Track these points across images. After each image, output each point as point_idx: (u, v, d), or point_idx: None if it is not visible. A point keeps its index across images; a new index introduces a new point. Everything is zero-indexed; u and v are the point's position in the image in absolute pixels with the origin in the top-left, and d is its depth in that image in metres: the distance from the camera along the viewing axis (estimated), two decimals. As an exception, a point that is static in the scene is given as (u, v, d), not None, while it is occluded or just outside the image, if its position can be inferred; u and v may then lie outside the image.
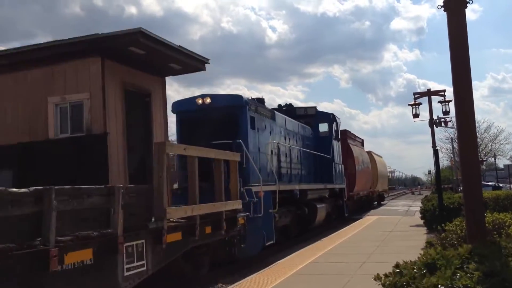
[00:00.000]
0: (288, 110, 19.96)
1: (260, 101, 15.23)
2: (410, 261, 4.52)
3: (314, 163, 18.70)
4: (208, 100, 12.47)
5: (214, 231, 8.56)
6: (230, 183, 9.63)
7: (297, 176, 16.41)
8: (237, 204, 9.46)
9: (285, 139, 15.76)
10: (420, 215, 16.23)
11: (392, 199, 54.36)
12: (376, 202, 37.14)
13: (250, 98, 13.73)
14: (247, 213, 11.08)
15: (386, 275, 4.29)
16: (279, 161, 14.59)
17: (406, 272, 4.17)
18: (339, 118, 21.88)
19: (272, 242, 11.93)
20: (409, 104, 24.04)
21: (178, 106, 12.95)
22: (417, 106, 23.91)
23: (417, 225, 16.07)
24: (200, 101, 12.51)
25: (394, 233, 14.78)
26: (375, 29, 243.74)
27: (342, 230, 16.31)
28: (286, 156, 15.51)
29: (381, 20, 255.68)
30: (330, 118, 20.49)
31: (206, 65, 9.98)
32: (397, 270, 4.33)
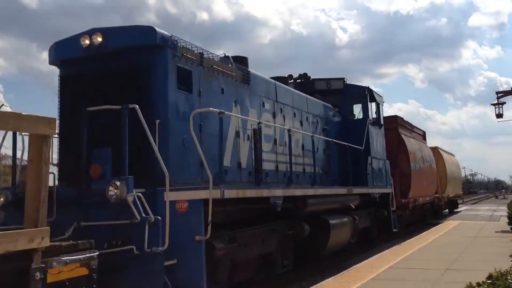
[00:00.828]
0: (303, 83, 14.21)
1: (240, 60, 9.67)
2: (507, 270, 4.73)
3: (336, 156, 12.74)
4: (99, 39, 7.04)
5: None
6: (27, 188, 4.15)
7: (299, 174, 10.62)
8: (26, 240, 3.93)
9: (274, 117, 10.03)
10: (506, 221, 15.26)
11: (474, 203, 47.86)
12: (447, 210, 30.06)
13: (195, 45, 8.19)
14: (130, 248, 5.54)
15: (478, 284, 4.40)
16: (255, 150, 8.88)
17: (500, 282, 4.21)
18: (381, 96, 15.69)
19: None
20: (491, 104, 23.07)
21: (57, 53, 7.53)
22: (500, 106, 22.94)
23: (503, 231, 15.03)
24: (86, 41, 7.10)
25: (478, 239, 13.92)
26: (452, 26, 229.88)
27: (421, 235, 15.55)
28: (275, 143, 9.81)
29: (458, 17, 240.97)
30: (363, 93, 14.35)
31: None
32: (490, 281, 4.32)
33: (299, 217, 9.59)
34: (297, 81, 14.19)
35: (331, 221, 10.34)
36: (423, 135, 25.15)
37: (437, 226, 18.89)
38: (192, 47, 7.72)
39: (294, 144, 10.63)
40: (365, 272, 8.72)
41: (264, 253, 8.64)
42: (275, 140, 9.79)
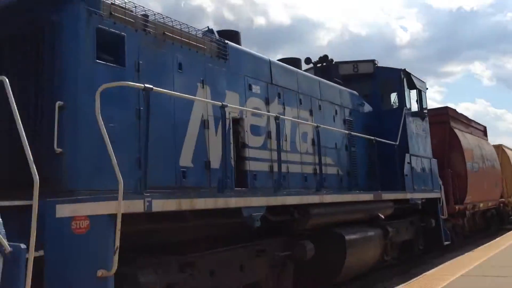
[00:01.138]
0: (325, 67, 11.90)
1: (229, 36, 7.65)
2: None
3: (364, 154, 10.32)
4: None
5: None
6: None
7: (307, 177, 8.33)
8: None
9: (267, 103, 7.80)
10: None
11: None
12: (516, 216, 26.43)
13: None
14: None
15: None
16: (236, 145, 6.72)
17: None
18: (423, 82, 13.06)
19: None
20: None
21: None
22: None
23: None
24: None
25: (561, 244, 13.14)
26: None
27: (494, 241, 14.56)
28: (269, 137, 7.58)
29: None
30: (399, 77, 11.80)
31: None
32: None
33: (301, 233, 7.32)
34: (317, 65, 11.89)
35: (347, 237, 7.95)
36: (484, 131, 21.90)
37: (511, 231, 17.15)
38: (128, 5, 5.69)
39: (299, 138, 8.41)
40: (437, 280, 8.28)
41: (246, 282, 6.44)
42: (268, 133, 7.56)
